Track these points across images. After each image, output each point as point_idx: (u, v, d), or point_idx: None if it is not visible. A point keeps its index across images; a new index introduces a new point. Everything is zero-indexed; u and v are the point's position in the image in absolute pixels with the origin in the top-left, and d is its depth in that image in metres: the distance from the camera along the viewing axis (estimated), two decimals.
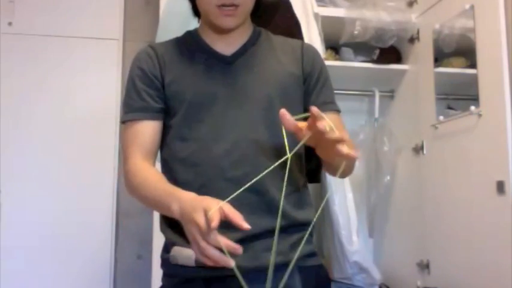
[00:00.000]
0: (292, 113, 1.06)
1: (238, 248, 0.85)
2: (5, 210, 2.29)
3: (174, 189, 1.00)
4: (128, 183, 1.10)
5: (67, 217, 2.33)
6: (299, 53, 1.18)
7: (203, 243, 0.85)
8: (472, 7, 1.75)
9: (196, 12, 1.19)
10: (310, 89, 1.17)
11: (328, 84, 1.20)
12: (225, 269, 0.86)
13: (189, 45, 1.17)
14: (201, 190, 1.01)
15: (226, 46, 1.14)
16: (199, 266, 0.98)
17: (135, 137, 1.10)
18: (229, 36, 1.14)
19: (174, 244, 1.05)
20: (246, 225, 0.83)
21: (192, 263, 1.00)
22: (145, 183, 1.05)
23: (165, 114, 1.13)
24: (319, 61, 1.21)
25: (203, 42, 1.16)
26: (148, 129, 1.11)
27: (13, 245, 2.26)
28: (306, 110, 1.12)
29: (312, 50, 1.22)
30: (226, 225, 0.97)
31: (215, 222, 0.81)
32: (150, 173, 1.07)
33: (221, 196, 0.92)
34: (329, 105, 1.17)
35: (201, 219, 0.84)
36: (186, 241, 0.97)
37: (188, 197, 0.94)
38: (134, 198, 1.10)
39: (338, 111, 1.20)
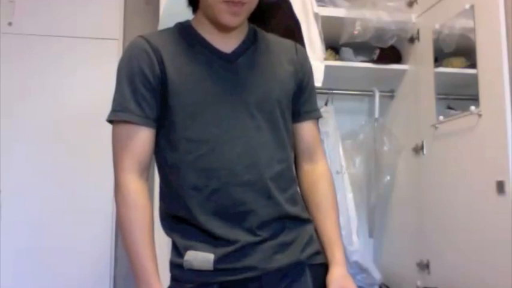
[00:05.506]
0: (289, 114, 1.13)
1: None
2: (5, 210, 2.29)
3: (154, 272, 0.97)
4: (119, 198, 1.01)
5: (67, 217, 2.33)
6: (293, 53, 1.17)
7: None
8: (472, 7, 1.75)
9: (192, 2, 1.12)
10: (300, 93, 1.16)
11: (314, 90, 1.22)
12: (242, 272, 0.89)
13: (185, 38, 1.09)
14: (213, 195, 1.00)
15: (224, 43, 1.08)
16: (217, 270, 0.96)
17: (128, 142, 1.01)
18: (228, 33, 1.09)
19: (187, 248, 1.00)
20: None
21: (210, 267, 0.96)
22: (132, 225, 0.99)
23: (163, 112, 1.05)
24: (308, 66, 1.20)
25: (200, 37, 1.09)
26: (143, 136, 1.02)
27: (13, 244, 2.26)
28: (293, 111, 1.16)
29: (304, 53, 1.21)
30: (237, 225, 1.00)
31: None
32: (140, 214, 0.99)
33: (235, 200, 0.99)
34: (313, 113, 1.19)
35: None
36: (199, 244, 0.98)
37: None
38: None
39: (320, 117, 1.22)
